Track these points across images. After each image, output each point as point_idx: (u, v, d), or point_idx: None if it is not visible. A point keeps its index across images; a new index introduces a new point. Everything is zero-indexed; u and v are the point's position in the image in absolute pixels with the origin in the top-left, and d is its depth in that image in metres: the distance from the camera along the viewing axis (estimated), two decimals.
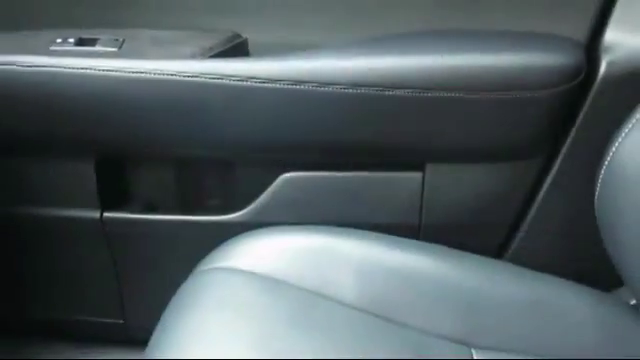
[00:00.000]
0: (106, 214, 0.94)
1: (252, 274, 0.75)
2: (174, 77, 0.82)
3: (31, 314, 1.06)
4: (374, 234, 0.82)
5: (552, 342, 0.72)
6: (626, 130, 0.69)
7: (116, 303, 1.02)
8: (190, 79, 0.82)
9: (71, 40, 0.88)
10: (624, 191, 0.69)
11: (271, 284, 0.74)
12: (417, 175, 0.88)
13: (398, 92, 0.82)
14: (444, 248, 0.82)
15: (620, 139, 0.70)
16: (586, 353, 0.71)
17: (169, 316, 0.73)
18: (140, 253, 0.97)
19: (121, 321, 1.04)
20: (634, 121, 0.68)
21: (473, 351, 0.70)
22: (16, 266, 1.02)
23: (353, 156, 0.89)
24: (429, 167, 0.88)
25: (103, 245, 0.96)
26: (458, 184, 0.89)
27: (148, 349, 0.70)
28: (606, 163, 0.71)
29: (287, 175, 0.90)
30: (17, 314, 1.06)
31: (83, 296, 1.03)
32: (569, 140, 0.85)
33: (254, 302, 0.71)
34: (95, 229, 0.95)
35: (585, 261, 0.83)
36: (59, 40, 0.88)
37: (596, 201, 0.74)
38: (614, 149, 0.70)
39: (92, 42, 0.88)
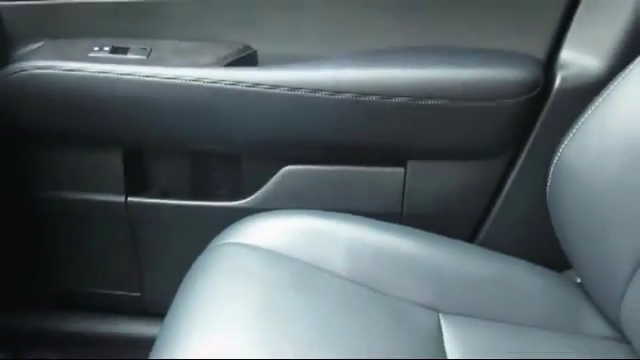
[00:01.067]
0: (130, 199, 0.99)
1: (258, 248, 0.79)
2: (193, 82, 0.88)
3: (54, 287, 1.09)
4: (363, 218, 0.85)
5: (511, 311, 0.77)
6: (571, 134, 0.75)
7: (135, 278, 1.06)
8: (207, 85, 0.87)
9: (106, 48, 0.92)
10: (569, 187, 0.75)
11: (274, 257, 0.78)
12: (399, 170, 0.93)
13: (389, 99, 0.86)
14: (423, 232, 0.86)
15: (567, 141, 0.75)
16: (539, 320, 0.77)
17: (187, 284, 0.78)
18: (158, 234, 1.01)
19: (138, 294, 1.08)
20: (578, 125, 0.74)
21: (440, 315, 0.75)
22: (46, 243, 1.06)
23: (346, 153, 0.93)
24: (410, 164, 0.92)
25: (126, 226, 1.01)
26: (434, 179, 0.93)
27: (169, 312, 0.74)
28: (555, 161, 0.77)
29: (288, 168, 0.94)
30: (40, 287, 1.09)
31: (105, 271, 1.07)
32: (529, 142, 0.89)
33: (260, 272, 0.76)
34: (120, 212, 0.99)
35: (541, 246, 0.86)
36: (96, 48, 0.93)
37: (547, 196, 0.79)
38: (561, 149, 0.76)
39: (124, 50, 0.92)
